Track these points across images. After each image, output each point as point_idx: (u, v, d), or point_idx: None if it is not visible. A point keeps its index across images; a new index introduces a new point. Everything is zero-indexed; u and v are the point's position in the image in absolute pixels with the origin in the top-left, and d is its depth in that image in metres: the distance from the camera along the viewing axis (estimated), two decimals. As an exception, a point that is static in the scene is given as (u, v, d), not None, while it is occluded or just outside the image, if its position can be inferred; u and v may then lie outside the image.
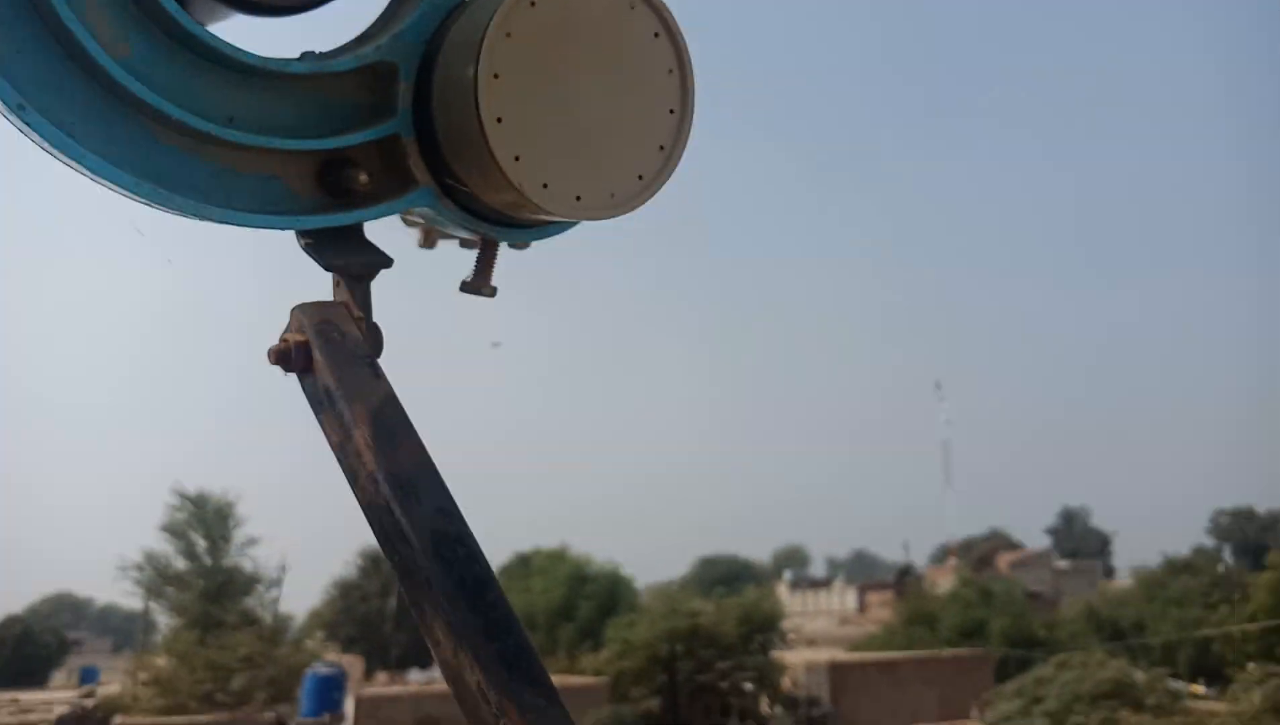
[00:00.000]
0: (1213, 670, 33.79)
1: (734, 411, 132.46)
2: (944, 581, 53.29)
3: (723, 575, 65.17)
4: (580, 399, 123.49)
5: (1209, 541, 66.65)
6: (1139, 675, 20.66)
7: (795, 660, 36.22)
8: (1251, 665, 26.56)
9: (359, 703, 24.85)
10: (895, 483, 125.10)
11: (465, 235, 1.47)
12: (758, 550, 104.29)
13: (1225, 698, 24.65)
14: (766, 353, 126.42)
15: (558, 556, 43.76)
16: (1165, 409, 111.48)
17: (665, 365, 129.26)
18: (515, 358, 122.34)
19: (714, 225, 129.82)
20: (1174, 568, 44.46)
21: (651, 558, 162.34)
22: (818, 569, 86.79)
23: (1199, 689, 33.94)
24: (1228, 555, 62.25)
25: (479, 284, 1.44)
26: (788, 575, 76.21)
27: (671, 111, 1.36)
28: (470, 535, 1.17)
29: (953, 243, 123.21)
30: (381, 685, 29.75)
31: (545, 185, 1.29)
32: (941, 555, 73.12)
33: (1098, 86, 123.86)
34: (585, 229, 1.43)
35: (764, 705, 35.63)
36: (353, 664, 36.86)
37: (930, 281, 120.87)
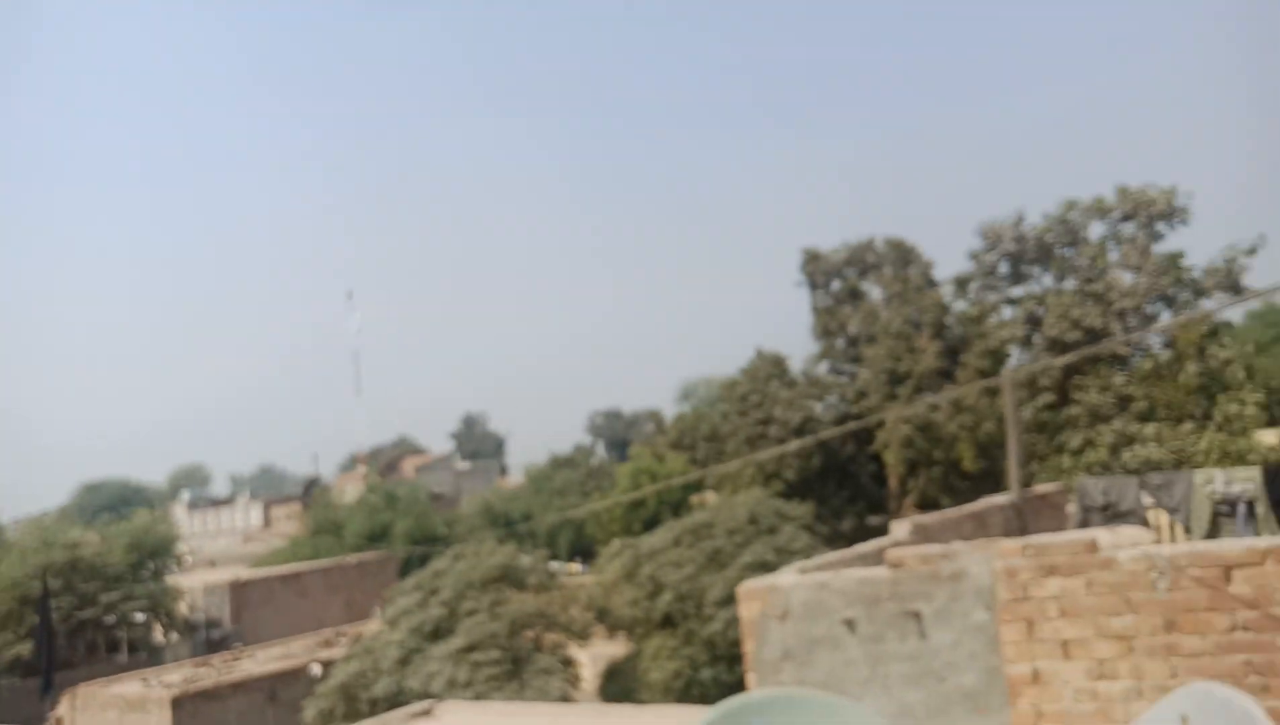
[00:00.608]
0: (587, 549, 38.50)
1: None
2: (352, 489, 54.06)
3: (110, 501, 59.58)
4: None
5: (587, 439, 75.45)
6: (524, 559, 22.48)
7: (194, 583, 34.49)
8: (615, 541, 30.58)
9: None
10: (306, 395, 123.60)
11: None
12: (152, 473, 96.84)
13: (592, 570, 28.14)
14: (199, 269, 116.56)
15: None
16: (541, 321, 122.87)
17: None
18: None
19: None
20: (558, 463, 49.61)
21: (24, 489, 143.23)
22: (221, 488, 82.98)
23: (575, 567, 38.43)
24: (601, 450, 70.98)
25: None
26: (186, 496, 71.93)
27: None
28: None
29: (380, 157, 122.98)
30: None
31: None
32: (351, 464, 73.93)
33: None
34: None
35: (159, 634, 33.47)
36: None
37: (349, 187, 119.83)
